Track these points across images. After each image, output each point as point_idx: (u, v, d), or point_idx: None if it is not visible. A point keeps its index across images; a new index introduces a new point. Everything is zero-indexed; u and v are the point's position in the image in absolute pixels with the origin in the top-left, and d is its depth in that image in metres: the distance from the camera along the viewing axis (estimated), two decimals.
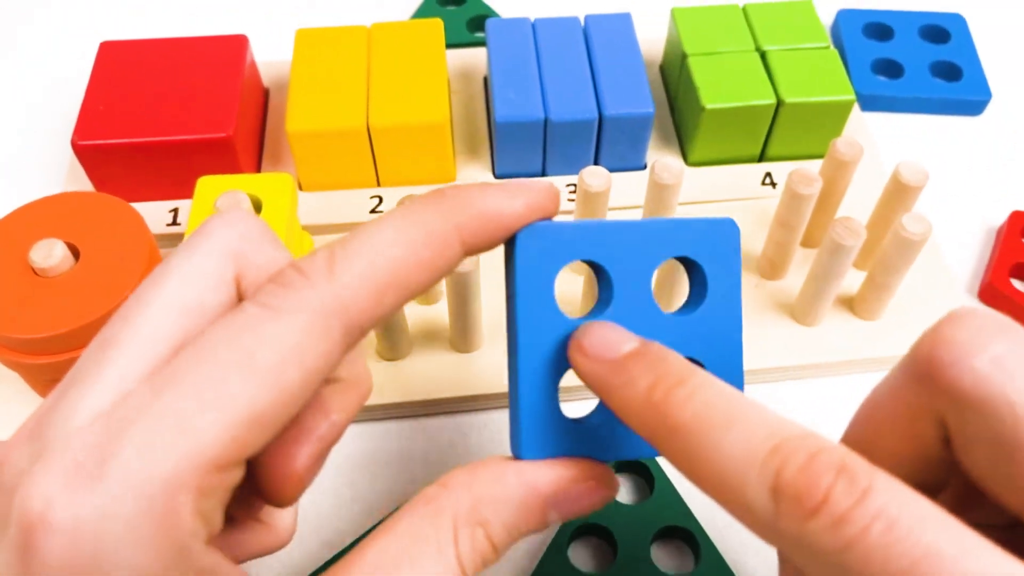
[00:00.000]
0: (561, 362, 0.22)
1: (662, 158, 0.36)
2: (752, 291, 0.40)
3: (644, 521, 0.34)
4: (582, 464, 0.22)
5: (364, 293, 0.20)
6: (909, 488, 0.16)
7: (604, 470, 0.23)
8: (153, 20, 0.55)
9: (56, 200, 0.36)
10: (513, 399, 0.22)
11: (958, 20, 0.52)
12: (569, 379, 0.22)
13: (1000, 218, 0.44)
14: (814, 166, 0.41)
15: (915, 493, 0.16)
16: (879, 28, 0.52)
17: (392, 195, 0.43)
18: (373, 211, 0.43)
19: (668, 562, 0.34)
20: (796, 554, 0.17)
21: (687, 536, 0.34)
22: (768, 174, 0.44)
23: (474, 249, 0.21)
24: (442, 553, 0.20)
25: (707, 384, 0.19)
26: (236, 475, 0.19)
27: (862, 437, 0.22)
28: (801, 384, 0.39)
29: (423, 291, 0.21)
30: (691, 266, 0.24)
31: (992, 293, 0.41)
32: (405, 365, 0.38)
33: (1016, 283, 0.42)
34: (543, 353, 0.22)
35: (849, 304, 0.40)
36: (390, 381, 0.37)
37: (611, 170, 0.44)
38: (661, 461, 0.36)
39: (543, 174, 0.44)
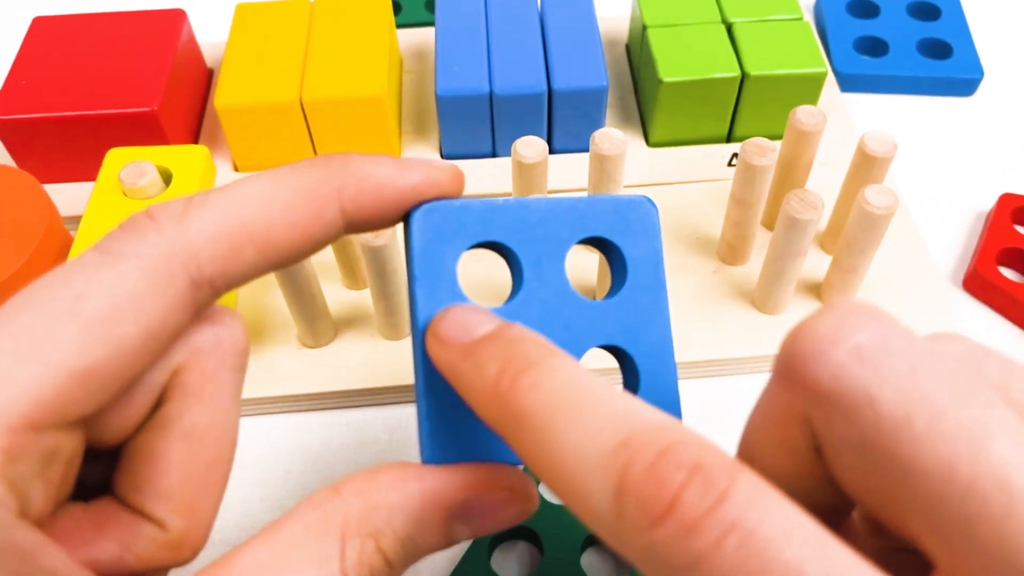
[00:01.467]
0: None
1: (605, 129, 0.33)
2: (710, 277, 0.37)
3: (575, 524, 0.31)
4: (495, 471, 0.19)
5: (218, 244, 0.18)
6: (777, 492, 0.14)
7: (522, 479, 0.19)
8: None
9: None
10: (418, 393, 0.20)
11: None
12: None
13: (990, 203, 0.41)
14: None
15: (782, 498, 0.14)
16: (864, 5, 0.48)
17: None
18: None
19: (600, 570, 0.31)
20: (645, 569, 0.14)
21: None
22: (735, 155, 0.41)
23: (358, 220, 0.19)
24: (324, 565, 0.17)
25: (560, 369, 0.16)
26: (63, 440, 0.17)
27: (743, 454, 0.19)
28: (763, 378, 0.35)
29: (294, 255, 0.19)
30: (607, 248, 0.22)
31: (978, 281, 0.37)
32: (328, 353, 0.35)
33: (1004, 270, 0.38)
34: None
35: (816, 291, 0.36)
36: (311, 369, 0.35)
37: (565, 151, 0.41)
38: None
39: (493, 154, 0.42)
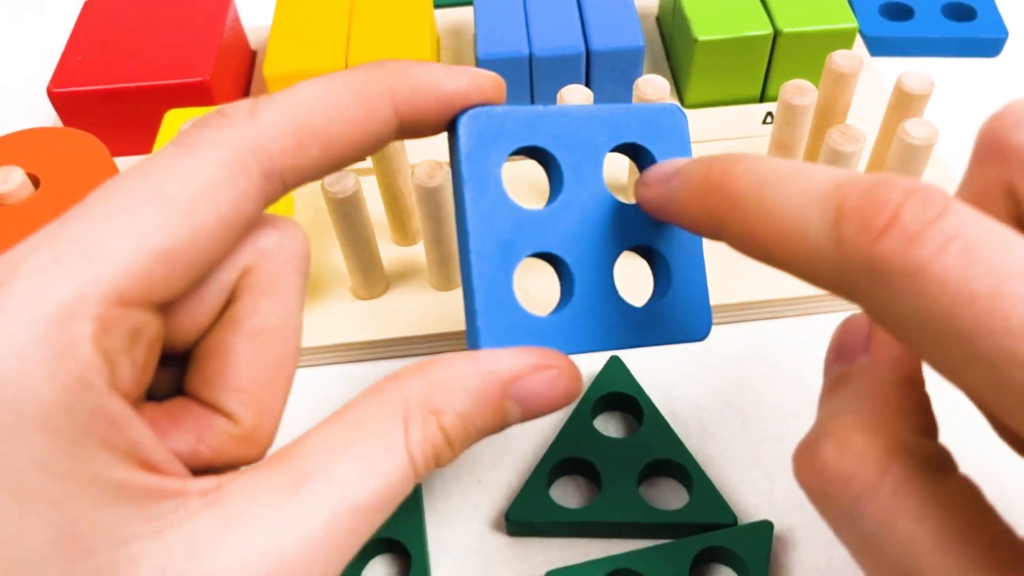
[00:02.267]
0: (514, 249, 0.21)
1: (647, 76, 0.34)
2: None
3: (632, 455, 0.31)
4: (542, 352, 0.20)
5: (285, 138, 0.19)
6: (989, 215, 0.14)
7: (567, 361, 0.20)
8: None
9: (19, 135, 0.35)
10: (467, 290, 0.21)
11: None
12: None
13: None
14: None
15: (995, 220, 0.14)
16: None
17: None
18: None
19: (657, 497, 0.31)
20: (866, 288, 0.15)
21: (678, 472, 0.31)
22: (770, 113, 0.42)
23: (409, 120, 0.20)
24: (389, 441, 0.18)
25: (763, 158, 0.18)
26: (147, 321, 0.17)
27: None
28: (808, 319, 0.36)
29: (353, 152, 0.20)
30: (640, 153, 0.23)
31: None
32: (381, 304, 0.36)
33: None
34: (495, 240, 0.21)
35: None
36: (365, 320, 0.35)
37: None
38: (651, 391, 0.33)
39: None
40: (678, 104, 0.23)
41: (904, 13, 0.47)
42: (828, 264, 0.15)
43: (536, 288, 0.29)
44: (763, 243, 0.17)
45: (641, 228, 0.22)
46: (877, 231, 0.14)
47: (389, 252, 0.38)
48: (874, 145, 0.37)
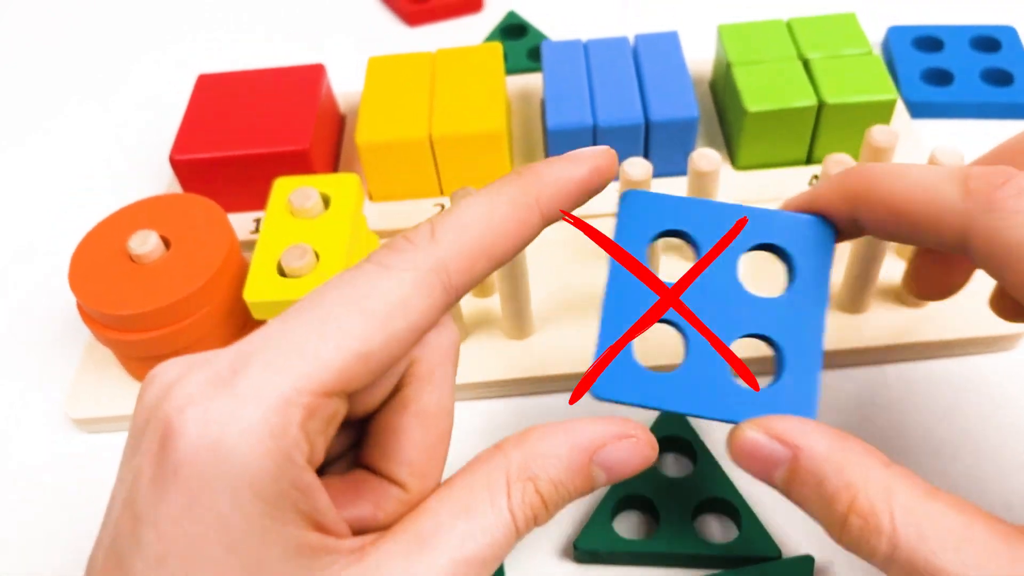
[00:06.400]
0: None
1: (701, 149, 0.38)
2: None
3: (687, 493, 0.35)
4: (624, 422, 0.24)
5: (460, 258, 0.23)
6: None
7: (643, 430, 0.24)
8: (248, 56, 0.61)
9: (152, 201, 0.41)
10: (599, 341, 0.24)
11: (1009, 32, 0.52)
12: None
13: None
14: None
15: None
16: (929, 41, 0.53)
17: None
18: None
19: (711, 533, 0.35)
20: (984, 222, 0.22)
21: (729, 509, 0.35)
22: (815, 176, 0.46)
23: (551, 216, 0.24)
24: (495, 504, 0.22)
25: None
26: (339, 407, 0.21)
27: None
28: (851, 372, 0.39)
29: (509, 258, 0.24)
30: (781, 254, 0.26)
31: None
32: (462, 349, 0.40)
33: None
34: (629, 302, 0.24)
35: (895, 294, 0.40)
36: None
37: (660, 176, 0.46)
38: (705, 435, 0.37)
39: None
40: (821, 217, 0.25)
41: (945, 79, 0.51)
42: (954, 210, 0.22)
43: None
44: (896, 203, 0.24)
45: (764, 320, 0.25)
46: (998, 185, 0.22)
47: (465, 302, 0.42)
48: None
